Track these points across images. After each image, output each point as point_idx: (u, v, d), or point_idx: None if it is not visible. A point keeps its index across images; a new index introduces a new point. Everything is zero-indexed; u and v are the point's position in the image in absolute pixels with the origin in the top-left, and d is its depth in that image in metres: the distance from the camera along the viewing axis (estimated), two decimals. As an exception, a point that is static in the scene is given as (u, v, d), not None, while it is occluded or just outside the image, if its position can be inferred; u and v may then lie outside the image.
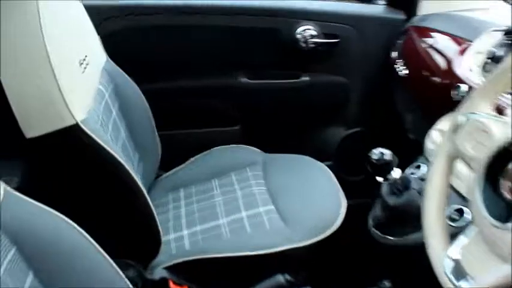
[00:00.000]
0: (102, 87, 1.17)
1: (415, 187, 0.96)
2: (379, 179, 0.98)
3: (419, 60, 1.35)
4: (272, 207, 1.25)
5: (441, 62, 1.26)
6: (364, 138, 1.67)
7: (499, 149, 0.62)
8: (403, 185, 0.96)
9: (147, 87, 1.36)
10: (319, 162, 1.42)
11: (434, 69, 1.27)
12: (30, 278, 0.68)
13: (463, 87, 1.06)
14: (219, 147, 1.51)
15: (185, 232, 1.21)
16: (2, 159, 0.94)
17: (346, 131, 1.68)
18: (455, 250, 0.66)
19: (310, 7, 1.53)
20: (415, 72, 1.38)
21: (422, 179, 1.01)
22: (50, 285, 0.70)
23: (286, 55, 1.55)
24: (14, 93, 0.87)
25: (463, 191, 0.91)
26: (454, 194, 0.90)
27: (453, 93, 1.08)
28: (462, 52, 1.18)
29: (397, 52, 1.48)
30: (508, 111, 0.88)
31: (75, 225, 0.75)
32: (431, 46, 1.34)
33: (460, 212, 0.90)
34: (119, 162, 0.98)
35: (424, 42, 1.37)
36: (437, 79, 1.25)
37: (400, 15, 1.55)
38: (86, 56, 1.09)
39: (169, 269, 1.10)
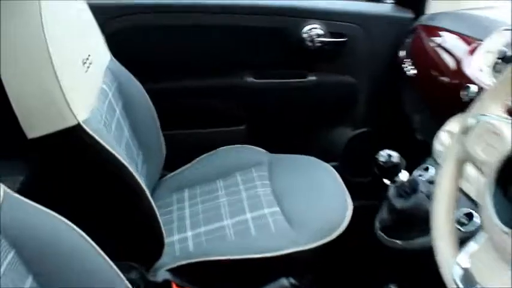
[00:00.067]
0: (105, 86, 1.16)
1: (423, 190, 0.94)
2: (386, 181, 0.96)
3: (427, 60, 1.33)
4: (277, 208, 1.23)
5: (450, 62, 1.24)
6: (371, 139, 1.65)
7: (511, 152, 0.60)
8: (411, 188, 0.94)
9: (152, 87, 1.35)
10: (325, 163, 1.41)
11: (443, 69, 1.25)
12: (29, 281, 0.67)
13: (473, 88, 1.04)
14: (224, 147, 1.49)
15: (189, 233, 1.20)
16: (3, 160, 0.93)
17: (353, 132, 1.66)
18: (465, 257, 0.64)
19: (316, 6, 1.51)
20: (424, 72, 1.35)
21: (430, 182, 0.99)
22: None
23: (292, 54, 1.53)
24: (15, 93, 0.86)
25: (472, 194, 0.89)
26: (463, 197, 0.89)
27: (462, 93, 1.06)
28: (472, 52, 1.16)
29: (405, 51, 1.46)
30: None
31: (75, 227, 0.74)
32: (440, 45, 1.32)
33: (469, 216, 0.88)
34: (122, 163, 0.96)
35: (433, 41, 1.35)
36: (446, 79, 1.23)
37: (408, 14, 1.53)
38: (89, 55, 1.08)
39: (172, 271, 1.08)
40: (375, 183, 1.07)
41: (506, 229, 0.57)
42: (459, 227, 0.85)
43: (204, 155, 1.47)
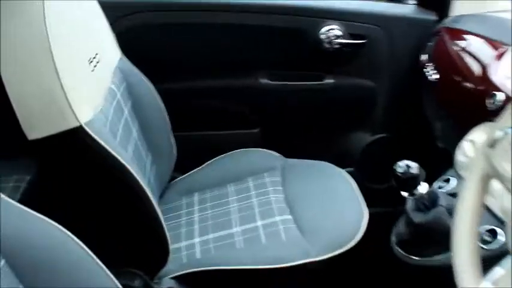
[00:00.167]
0: (114, 86, 1.13)
1: (443, 203, 0.88)
2: (404, 193, 0.91)
3: (451, 64, 1.27)
4: (289, 216, 1.19)
5: (475, 67, 1.17)
6: (390, 145, 1.59)
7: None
8: (430, 201, 0.89)
9: (163, 87, 1.32)
10: (341, 169, 1.36)
11: (467, 74, 1.19)
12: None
13: (500, 96, 0.98)
14: (236, 150, 1.45)
15: (197, 240, 1.16)
16: (4, 160, 0.91)
17: (371, 137, 1.61)
18: (490, 283, 0.59)
19: (335, 6, 1.46)
20: (447, 76, 1.29)
21: (451, 194, 0.93)
22: None
23: (309, 56, 1.49)
24: (16, 93, 0.84)
25: (496, 210, 0.83)
26: (486, 212, 0.83)
27: (488, 101, 1.00)
28: (499, 57, 1.10)
29: (427, 55, 1.40)
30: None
31: (70, 234, 0.70)
32: (464, 49, 1.26)
33: (493, 232, 0.82)
34: (125, 166, 0.93)
35: (457, 45, 1.29)
36: (470, 85, 1.17)
37: (431, 16, 1.47)
38: (96, 54, 1.05)
39: (177, 279, 1.05)
40: (392, 190, 1.03)
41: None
42: (482, 245, 0.80)
43: (216, 158, 1.44)
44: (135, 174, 0.94)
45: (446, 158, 1.06)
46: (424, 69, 1.38)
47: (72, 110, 0.86)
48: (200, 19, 1.42)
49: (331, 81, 1.52)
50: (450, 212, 0.85)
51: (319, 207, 1.21)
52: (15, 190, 1.15)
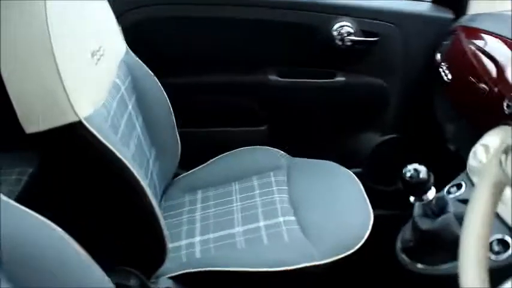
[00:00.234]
0: (118, 80, 1.11)
1: (452, 210, 0.84)
2: (412, 199, 0.87)
3: (466, 64, 1.22)
4: (293, 218, 1.15)
5: (492, 68, 1.13)
6: (400, 146, 1.55)
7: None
8: (439, 208, 0.85)
9: (169, 82, 1.30)
10: (347, 169, 1.32)
11: (483, 75, 1.14)
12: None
13: (516, 99, 0.94)
14: (242, 148, 1.42)
15: (197, 239, 1.13)
16: (4, 152, 0.89)
17: (381, 137, 1.57)
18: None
19: (348, 2, 1.42)
20: (462, 77, 1.25)
21: (461, 201, 0.89)
22: None
23: (320, 53, 1.45)
24: (16, 91, 0.82)
25: (508, 218, 0.79)
26: (497, 220, 0.79)
27: (504, 104, 0.95)
28: (517, 58, 1.06)
29: (442, 54, 1.36)
30: None
31: (62, 231, 0.68)
32: (480, 49, 1.21)
33: (504, 243, 0.79)
34: (123, 163, 0.91)
35: (473, 44, 1.24)
36: (486, 87, 1.12)
37: (447, 14, 1.42)
38: (100, 47, 1.02)
39: (175, 278, 1.02)
40: (399, 193, 0.99)
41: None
42: (491, 256, 0.76)
43: (221, 155, 1.41)
44: (132, 169, 0.91)
45: (458, 162, 1.02)
46: (439, 69, 1.33)
47: (71, 105, 0.84)
48: (208, 13, 1.39)
49: (342, 79, 1.48)
50: (459, 219, 0.82)
51: (323, 210, 1.18)
52: (17, 183, 1.14)
